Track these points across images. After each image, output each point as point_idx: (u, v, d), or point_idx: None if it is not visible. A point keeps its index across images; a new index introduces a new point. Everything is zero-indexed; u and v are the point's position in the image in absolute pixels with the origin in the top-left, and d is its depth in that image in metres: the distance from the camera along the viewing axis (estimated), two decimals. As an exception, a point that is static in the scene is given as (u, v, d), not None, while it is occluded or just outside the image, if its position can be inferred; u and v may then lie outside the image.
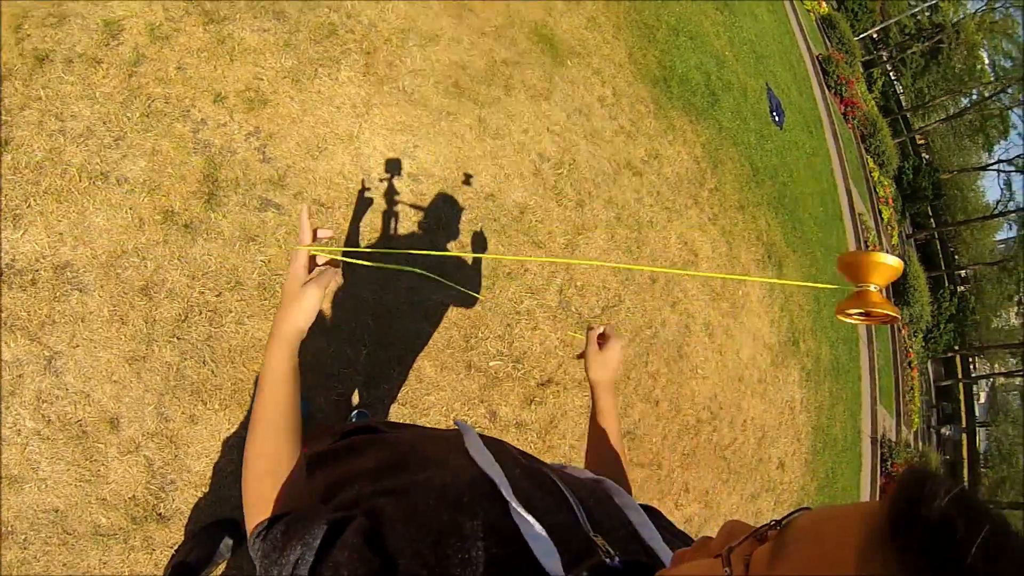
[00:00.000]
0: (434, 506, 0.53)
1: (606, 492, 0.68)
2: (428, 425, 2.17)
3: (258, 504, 0.64)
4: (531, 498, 0.57)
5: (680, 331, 3.49)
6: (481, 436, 0.72)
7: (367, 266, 2.27)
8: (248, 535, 0.63)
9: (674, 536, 0.66)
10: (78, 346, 1.69)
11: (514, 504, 0.54)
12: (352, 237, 2.20)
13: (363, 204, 2.25)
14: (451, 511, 0.52)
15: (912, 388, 10.81)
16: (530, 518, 0.52)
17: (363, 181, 2.28)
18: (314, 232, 0.83)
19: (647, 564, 0.54)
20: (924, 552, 0.28)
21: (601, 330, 1.14)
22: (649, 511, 0.73)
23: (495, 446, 0.68)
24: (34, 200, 1.74)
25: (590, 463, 1.03)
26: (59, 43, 1.91)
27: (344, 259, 0.84)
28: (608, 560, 0.51)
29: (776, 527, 0.38)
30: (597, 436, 1.05)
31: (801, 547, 0.34)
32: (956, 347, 19.96)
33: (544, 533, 0.51)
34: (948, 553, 0.28)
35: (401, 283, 2.25)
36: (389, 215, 2.30)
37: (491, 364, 2.43)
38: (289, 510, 0.63)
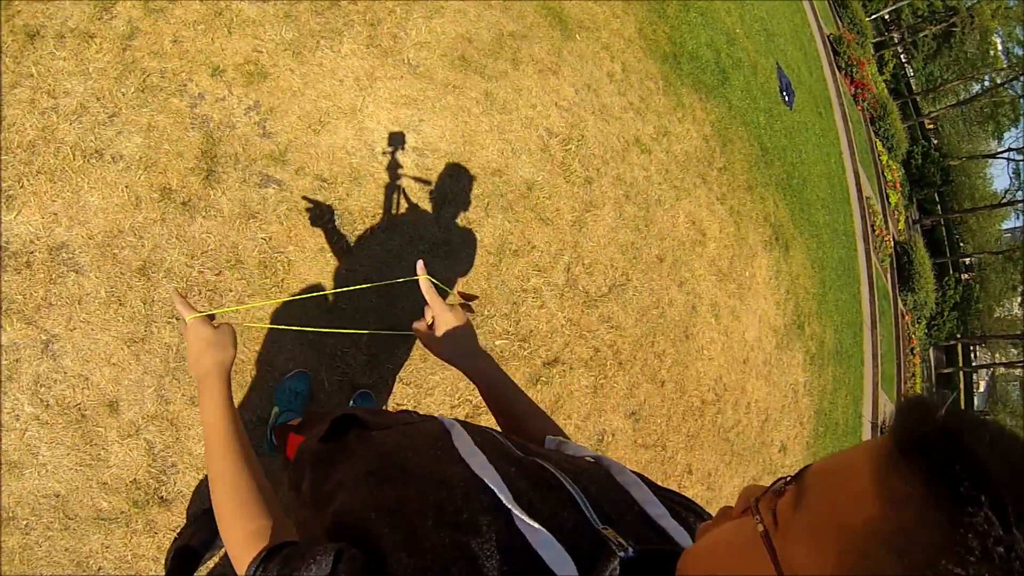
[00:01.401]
0: (433, 528, 0.51)
1: (607, 472, 0.65)
2: (430, 410, 2.14)
3: (245, 547, 0.63)
4: (532, 500, 0.55)
5: (687, 312, 3.45)
6: (468, 427, 0.69)
7: (363, 243, 2.23)
8: (248, 566, 0.61)
9: (675, 503, 0.65)
10: (75, 329, 1.65)
11: (517, 512, 0.52)
12: (356, 215, 2.14)
13: (366, 180, 2.19)
14: (452, 531, 0.50)
15: (914, 375, 10.80)
16: (536, 525, 0.50)
17: (367, 156, 2.22)
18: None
19: (660, 549, 0.53)
20: (937, 459, 0.30)
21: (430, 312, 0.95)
22: (640, 476, 0.71)
23: (486, 442, 0.65)
24: (27, 180, 1.68)
25: (508, 429, 0.94)
26: (50, 18, 1.84)
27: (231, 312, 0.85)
28: (622, 553, 0.50)
29: (791, 481, 0.40)
30: (503, 410, 0.95)
31: (820, 489, 0.36)
32: (958, 335, 19.94)
33: (553, 539, 0.50)
34: (960, 454, 0.30)
35: (405, 261, 2.20)
36: (393, 190, 2.24)
37: (497, 343, 2.39)
38: (281, 541, 0.61)
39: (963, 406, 21.33)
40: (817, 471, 0.38)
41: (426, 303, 0.94)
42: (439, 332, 0.93)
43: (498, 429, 0.80)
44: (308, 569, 0.52)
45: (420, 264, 0.94)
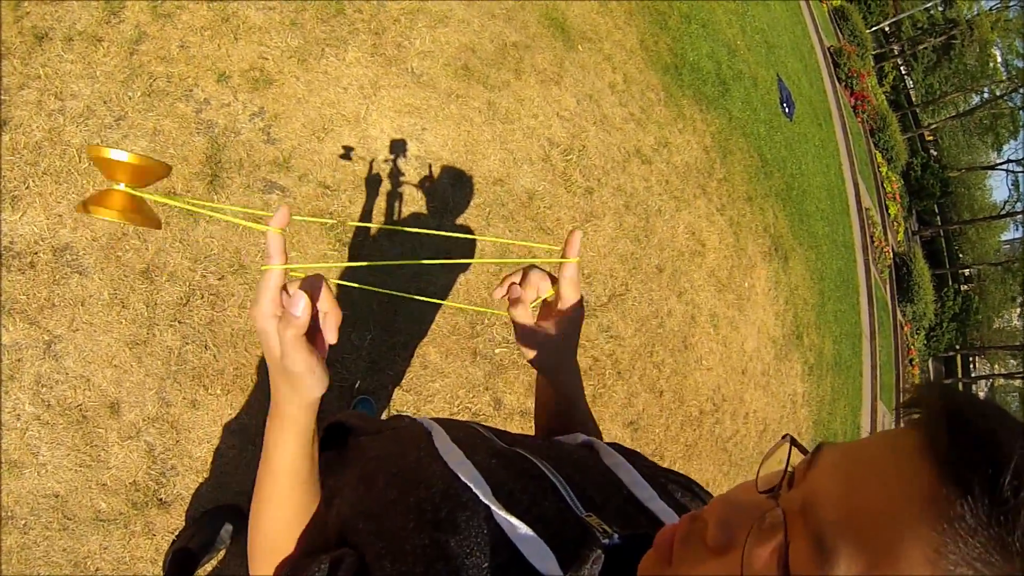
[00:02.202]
0: (413, 530, 0.50)
1: (595, 455, 0.64)
2: (434, 415, 2.15)
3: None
4: (512, 492, 0.54)
5: (686, 322, 3.46)
6: (450, 423, 0.68)
7: (365, 250, 2.24)
8: None
9: (667, 482, 0.63)
10: (78, 330, 1.66)
11: (495, 508, 0.51)
12: (358, 221, 2.16)
13: (369, 187, 2.21)
14: (432, 531, 0.49)
15: (912, 384, 10.77)
16: (515, 521, 0.49)
17: (370, 164, 2.24)
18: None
19: (647, 534, 0.51)
20: (970, 451, 0.28)
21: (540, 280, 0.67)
22: (633, 455, 0.68)
23: (466, 436, 0.64)
24: (33, 181, 1.70)
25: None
26: (59, 20, 1.86)
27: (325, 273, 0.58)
28: (607, 540, 0.48)
29: (779, 501, 0.35)
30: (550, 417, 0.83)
31: (855, 552, 0.30)
32: (957, 346, 19.94)
33: (532, 533, 0.49)
34: (996, 450, 0.28)
35: (406, 269, 2.22)
36: (395, 198, 2.26)
37: (497, 351, 2.40)
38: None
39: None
40: (840, 522, 0.31)
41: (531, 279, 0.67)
42: (567, 326, 0.69)
43: (482, 423, 0.78)
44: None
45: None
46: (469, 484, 0.53)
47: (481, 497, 0.52)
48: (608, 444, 0.67)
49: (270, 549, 0.58)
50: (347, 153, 2.19)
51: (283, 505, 0.57)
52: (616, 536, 0.49)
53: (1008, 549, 0.27)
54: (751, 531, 0.35)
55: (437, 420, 0.70)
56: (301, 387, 0.52)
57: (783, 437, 0.40)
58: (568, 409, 0.79)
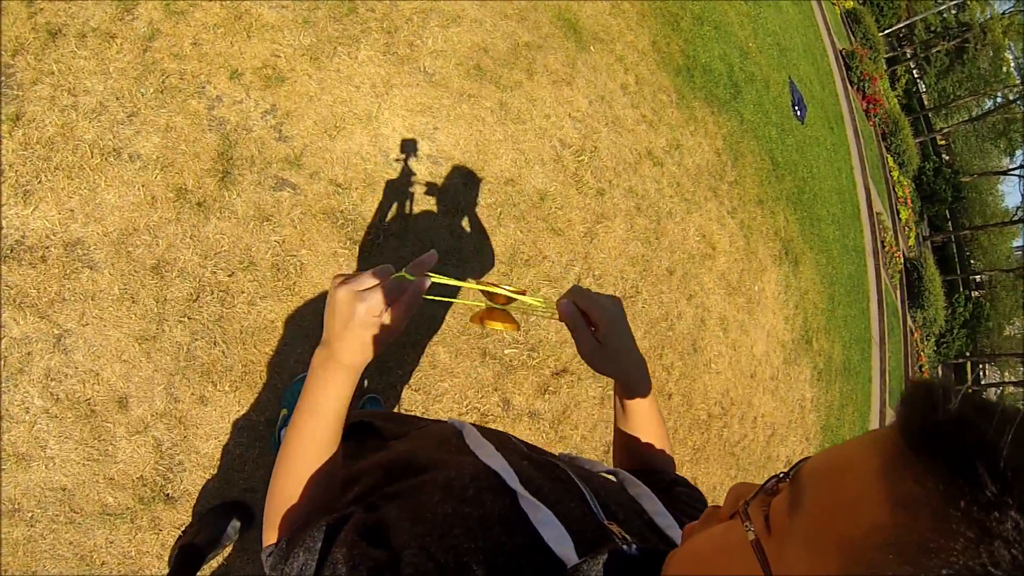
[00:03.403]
0: (439, 501, 0.51)
1: (620, 484, 0.65)
2: (439, 416, 2.14)
3: (279, 525, 0.61)
4: (540, 487, 0.55)
5: (695, 325, 3.43)
6: (483, 429, 0.70)
7: (375, 248, 2.23)
8: (263, 549, 0.62)
9: (691, 509, 0.65)
10: (88, 324, 1.66)
11: (521, 491, 0.52)
12: (369, 220, 2.15)
13: (380, 186, 2.20)
14: (456, 503, 0.51)
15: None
16: (538, 503, 0.51)
17: (381, 162, 2.23)
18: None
19: (665, 552, 0.51)
20: (954, 456, 0.27)
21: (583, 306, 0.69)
22: (672, 484, 0.71)
23: (497, 438, 0.66)
24: (45, 176, 1.70)
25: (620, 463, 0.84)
26: (73, 17, 1.86)
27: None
28: (625, 547, 0.49)
29: (785, 478, 0.36)
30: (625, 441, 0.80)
31: (819, 491, 0.32)
32: (967, 353, 19.74)
33: (554, 519, 0.49)
34: (980, 451, 0.26)
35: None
36: (406, 197, 2.25)
37: (506, 352, 2.38)
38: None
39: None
40: (814, 469, 0.34)
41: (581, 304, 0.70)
42: (609, 333, 0.70)
43: (513, 433, 0.79)
44: (296, 558, 0.53)
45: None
46: (498, 471, 0.55)
47: (508, 482, 0.53)
48: (631, 473, 0.68)
49: (298, 491, 0.60)
50: (359, 151, 2.19)
51: (321, 444, 0.60)
52: (634, 547, 0.49)
53: (955, 499, 0.27)
54: (756, 496, 0.38)
55: (469, 424, 0.72)
56: (370, 349, 0.58)
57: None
58: (640, 425, 0.77)
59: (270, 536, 0.60)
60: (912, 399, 0.30)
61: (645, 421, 0.77)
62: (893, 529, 0.27)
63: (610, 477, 0.68)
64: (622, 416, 0.78)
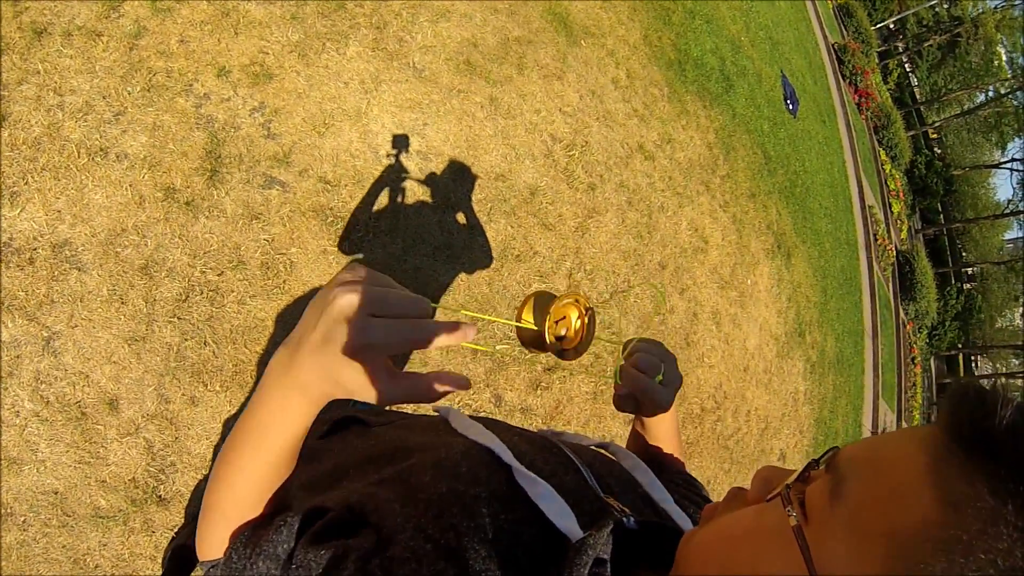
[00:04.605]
0: (431, 481, 0.48)
1: (612, 455, 0.64)
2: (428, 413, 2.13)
3: (212, 545, 0.52)
4: (534, 461, 0.53)
5: (688, 319, 3.44)
6: (469, 416, 0.67)
7: (366, 246, 2.22)
8: (201, 564, 0.53)
9: (680, 487, 0.63)
10: (77, 326, 1.65)
11: (517, 465, 0.50)
12: (359, 217, 2.14)
13: (370, 182, 2.19)
14: (449, 481, 0.48)
15: (915, 384, 10.76)
16: (535, 477, 0.48)
17: (371, 159, 2.22)
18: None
19: (663, 524, 0.51)
20: (1008, 464, 0.28)
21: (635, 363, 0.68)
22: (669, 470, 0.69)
23: (485, 421, 0.64)
24: (32, 177, 1.69)
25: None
26: (58, 15, 1.85)
27: None
28: (624, 520, 0.48)
29: (817, 466, 0.37)
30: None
31: (862, 482, 0.32)
32: (960, 345, 19.90)
33: (553, 491, 0.48)
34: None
35: (407, 263, 2.20)
36: (397, 194, 2.25)
37: (497, 347, 2.39)
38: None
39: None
40: (854, 458, 0.34)
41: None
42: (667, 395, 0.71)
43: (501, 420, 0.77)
44: (274, 537, 0.46)
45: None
46: (490, 447, 0.53)
47: (502, 457, 0.51)
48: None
49: (236, 512, 0.51)
50: (348, 148, 2.18)
51: (274, 466, 0.49)
52: (632, 520, 0.49)
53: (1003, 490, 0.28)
54: (788, 483, 0.37)
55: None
56: (351, 385, 0.42)
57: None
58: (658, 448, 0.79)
59: (211, 551, 0.52)
60: (963, 402, 0.30)
61: (664, 434, 0.78)
62: (941, 526, 0.28)
63: (600, 451, 0.66)
64: (643, 430, 0.78)
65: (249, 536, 0.49)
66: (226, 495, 0.51)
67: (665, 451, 0.80)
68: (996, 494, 0.27)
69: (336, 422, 0.81)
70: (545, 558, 0.44)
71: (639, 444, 0.81)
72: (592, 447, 0.67)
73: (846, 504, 0.32)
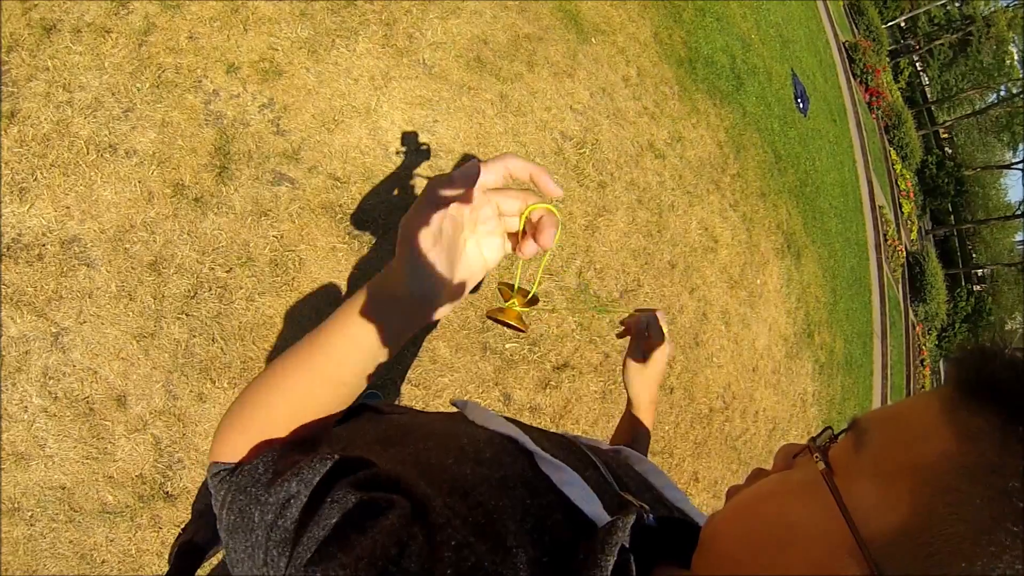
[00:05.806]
0: (453, 463, 0.47)
1: (626, 459, 0.65)
2: (440, 409, 2.12)
3: (235, 447, 0.50)
4: (555, 454, 0.52)
5: (697, 318, 3.41)
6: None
7: (375, 243, 2.21)
8: (208, 467, 0.51)
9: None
10: (85, 322, 1.64)
11: (540, 452, 0.50)
12: (368, 214, 2.13)
13: (380, 179, 2.18)
14: (473, 465, 0.47)
15: (923, 386, 10.68)
16: (561, 463, 0.49)
17: (380, 156, 2.21)
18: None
19: (682, 520, 0.52)
20: (1011, 390, 0.30)
21: (649, 323, 0.91)
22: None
23: (504, 415, 0.64)
24: (41, 173, 1.69)
25: None
26: (67, 12, 1.84)
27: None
28: (644, 516, 0.48)
29: (839, 433, 0.39)
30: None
31: (883, 431, 0.34)
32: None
33: (579, 478, 0.48)
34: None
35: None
36: (406, 191, 2.23)
37: (507, 346, 2.37)
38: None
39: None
40: (873, 417, 0.36)
41: (646, 333, 0.92)
42: (657, 371, 0.94)
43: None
44: (317, 466, 0.44)
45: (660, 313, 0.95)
46: (512, 435, 0.53)
47: (525, 445, 0.51)
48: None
49: (271, 427, 0.49)
50: (358, 144, 2.16)
51: (341, 383, 0.48)
52: (651, 516, 0.49)
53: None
54: (813, 437, 0.40)
55: None
56: (459, 291, 0.47)
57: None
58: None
59: (226, 453, 0.50)
60: (965, 357, 0.34)
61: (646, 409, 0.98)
62: (961, 455, 0.30)
63: (612, 451, 0.68)
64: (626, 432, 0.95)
65: (282, 454, 0.48)
66: (278, 399, 0.49)
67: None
68: (1007, 420, 0.30)
69: (349, 411, 0.79)
70: (571, 543, 0.43)
71: (630, 424, 0.96)
72: (608, 448, 0.67)
73: (869, 450, 0.34)
